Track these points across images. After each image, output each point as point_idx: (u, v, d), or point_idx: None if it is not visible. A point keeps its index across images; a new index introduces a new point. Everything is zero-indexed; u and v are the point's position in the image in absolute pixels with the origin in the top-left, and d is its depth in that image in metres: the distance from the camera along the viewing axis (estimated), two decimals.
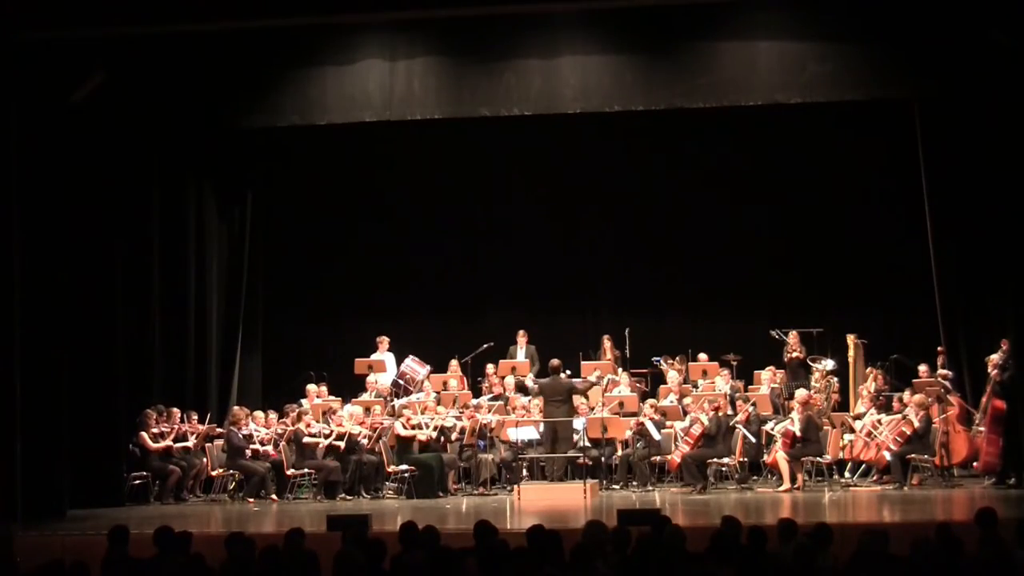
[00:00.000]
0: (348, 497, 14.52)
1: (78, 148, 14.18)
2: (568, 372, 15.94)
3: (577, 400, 14.90)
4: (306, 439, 14.72)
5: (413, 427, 14.88)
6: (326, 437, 14.76)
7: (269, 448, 14.96)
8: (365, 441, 14.75)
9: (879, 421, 14.51)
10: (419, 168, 17.85)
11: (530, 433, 14.59)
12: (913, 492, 13.71)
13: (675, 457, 14.52)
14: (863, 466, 14.89)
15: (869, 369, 15.69)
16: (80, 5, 13.17)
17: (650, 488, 14.54)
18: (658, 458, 14.84)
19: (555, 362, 14.80)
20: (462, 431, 15.17)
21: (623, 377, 15.86)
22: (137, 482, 14.87)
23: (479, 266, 18.07)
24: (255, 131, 16.08)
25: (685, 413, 15.02)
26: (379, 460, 14.83)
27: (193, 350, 16.48)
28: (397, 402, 15.64)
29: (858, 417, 14.89)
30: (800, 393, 14.58)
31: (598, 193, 17.89)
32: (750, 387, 15.83)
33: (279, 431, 15.14)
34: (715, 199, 17.53)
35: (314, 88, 14.75)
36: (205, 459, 15.25)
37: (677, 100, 14.50)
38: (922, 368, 15.13)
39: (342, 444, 14.63)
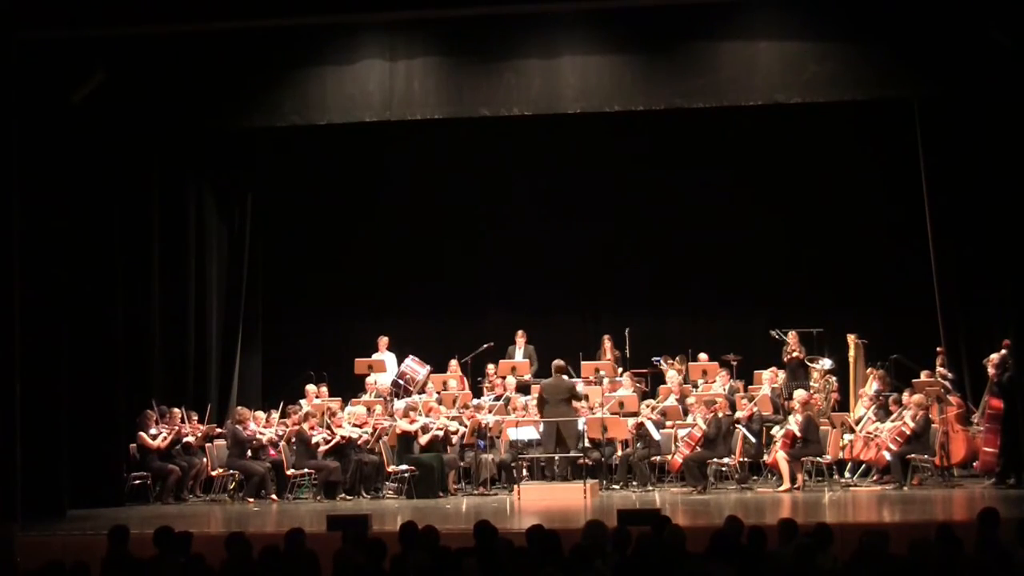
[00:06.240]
0: (348, 497, 14.52)
1: (78, 148, 14.19)
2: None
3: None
4: (315, 438, 14.70)
5: (416, 432, 14.85)
6: (326, 442, 14.75)
7: (269, 447, 14.98)
8: (360, 442, 14.75)
9: (879, 423, 14.51)
10: (419, 168, 17.85)
11: (530, 433, 14.58)
12: (913, 492, 13.70)
13: (677, 459, 14.52)
14: (863, 466, 14.89)
15: (869, 370, 15.70)
16: (80, 5, 13.17)
17: (650, 488, 14.54)
18: (658, 458, 14.84)
19: (559, 363, 14.71)
20: (462, 436, 15.16)
21: (625, 378, 15.84)
22: (137, 482, 14.87)
23: (479, 266, 18.06)
24: (255, 131, 16.09)
25: (686, 413, 15.03)
26: (379, 460, 14.84)
27: (193, 350, 16.48)
28: (399, 403, 15.62)
29: (859, 421, 14.89)
30: (800, 393, 14.59)
31: (598, 193, 17.87)
32: (750, 387, 15.83)
33: (280, 431, 15.14)
34: (715, 199, 17.53)
35: (314, 88, 14.76)
36: (205, 459, 15.25)
37: (677, 100, 14.49)
38: (925, 372, 15.12)
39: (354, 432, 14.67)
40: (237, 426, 14.92)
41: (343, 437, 14.65)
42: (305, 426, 14.79)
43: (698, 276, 17.65)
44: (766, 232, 17.51)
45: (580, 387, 15.06)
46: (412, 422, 14.80)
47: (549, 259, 17.91)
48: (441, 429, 14.86)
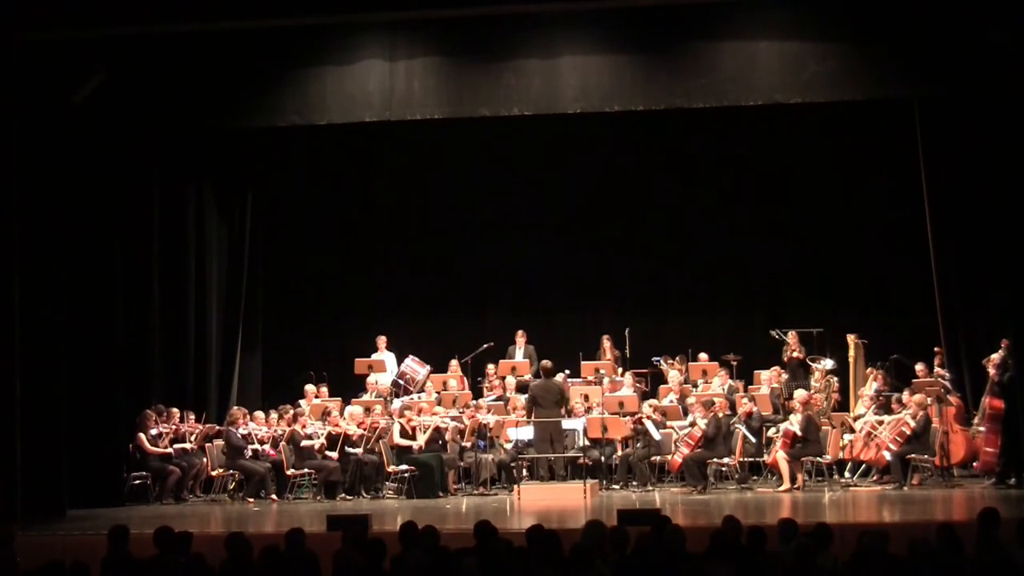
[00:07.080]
0: (348, 497, 14.52)
1: (78, 148, 14.19)
2: (567, 372, 15.92)
3: (574, 401, 14.89)
4: (304, 442, 14.71)
5: (413, 429, 14.86)
6: (318, 437, 14.76)
7: (268, 447, 14.97)
8: (361, 443, 14.75)
9: (879, 422, 14.51)
10: (419, 168, 17.85)
11: (530, 433, 14.56)
12: (913, 492, 13.71)
13: (676, 459, 14.51)
14: (863, 466, 14.89)
15: (869, 369, 15.70)
16: (80, 5, 13.17)
17: (650, 488, 14.54)
18: (658, 458, 14.84)
19: (546, 364, 14.72)
20: (460, 432, 15.14)
21: (626, 378, 15.83)
22: (137, 482, 14.86)
23: (479, 266, 18.06)
24: (255, 131, 16.09)
25: (686, 413, 15.02)
26: (379, 460, 14.84)
27: (193, 350, 16.46)
28: (397, 402, 15.63)
29: (858, 419, 14.89)
30: (800, 393, 14.59)
31: (598, 193, 17.86)
32: (750, 387, 15.83)
33: (279, 431, 15.14)
34: (715, 199, 17.54)
35: (314, 88, 14.76)
36: (205, 459, 15.24)
37: (677, 100, 14.51)
38: (919, 367, 15.12)
39: (335, 454, 14.65)
40: (230, 428, 14.93)
41: (335, 436, 14.65)
42: (297, 426, 14.80)
43: (698, 276, 17.65)
44: (766, 232, 17.51)
45: (569, 391, 15.07)
46: (408, 421, 14.79)
47: (549, 259, 17.91)
48: (432, 428, 14.84)
